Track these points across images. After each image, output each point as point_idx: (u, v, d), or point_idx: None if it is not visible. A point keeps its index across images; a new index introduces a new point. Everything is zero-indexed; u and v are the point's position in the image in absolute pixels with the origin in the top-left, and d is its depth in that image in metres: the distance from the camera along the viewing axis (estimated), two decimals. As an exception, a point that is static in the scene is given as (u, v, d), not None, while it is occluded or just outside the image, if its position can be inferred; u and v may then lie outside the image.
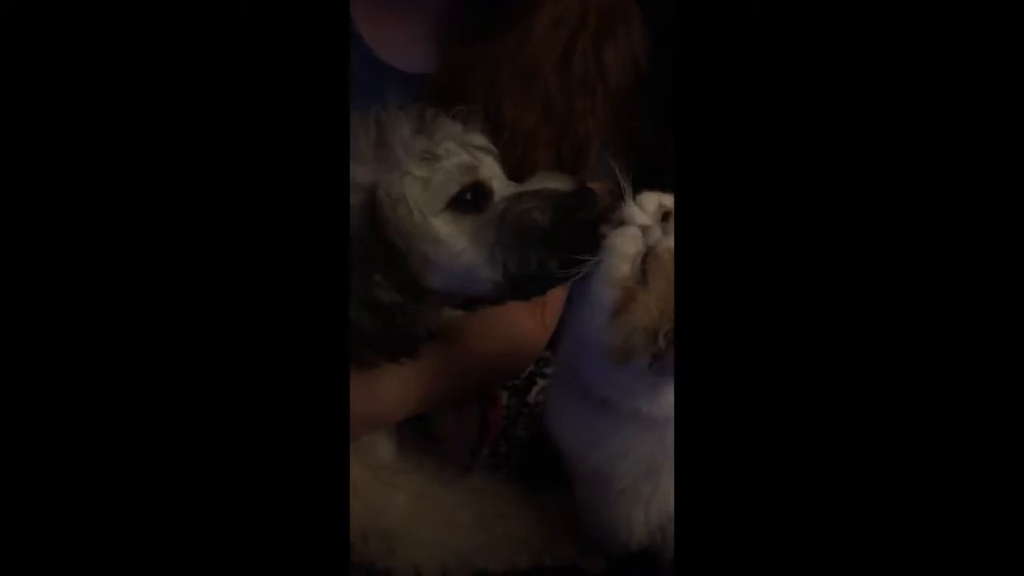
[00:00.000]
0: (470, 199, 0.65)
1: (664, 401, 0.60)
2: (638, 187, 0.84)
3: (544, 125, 0.79)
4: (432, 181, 0.64)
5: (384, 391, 0.70)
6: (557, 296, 0.80)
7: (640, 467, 0.64)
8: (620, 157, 0.84)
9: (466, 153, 0.65)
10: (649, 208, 0.59)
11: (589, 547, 0.74)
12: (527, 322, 0.81)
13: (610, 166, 0.83)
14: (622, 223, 0.59)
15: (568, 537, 0.73)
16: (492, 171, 0.67)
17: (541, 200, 0.64)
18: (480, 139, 0.67)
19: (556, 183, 0.66)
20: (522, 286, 0.66)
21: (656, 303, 0.56)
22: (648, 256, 0.57)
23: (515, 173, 0.74)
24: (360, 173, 0.64)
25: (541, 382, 0.87)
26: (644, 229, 0.58)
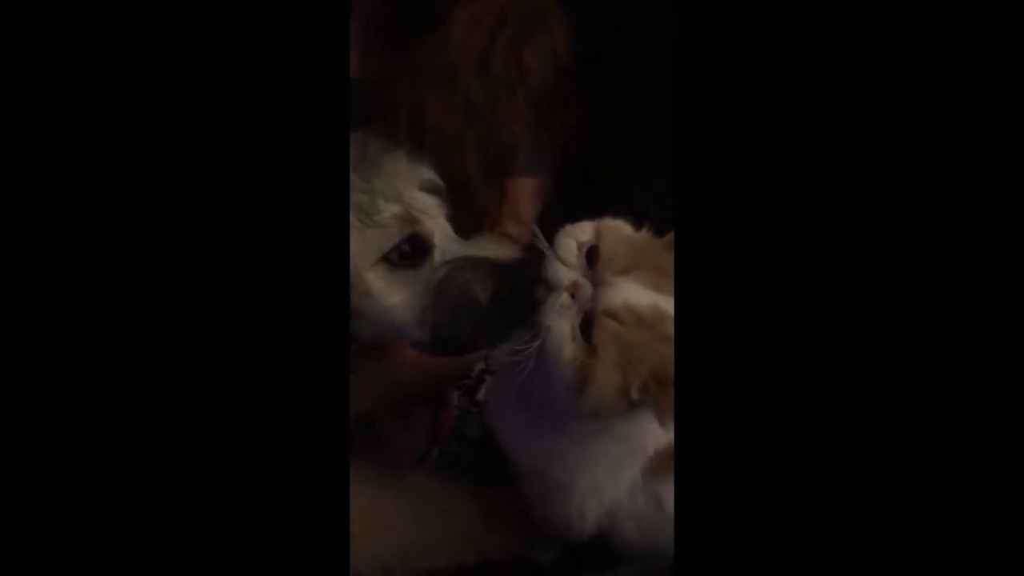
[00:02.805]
0: (408, 251, 0.63)
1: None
2: (564, 188, 0.86)
3: (469, 129, 0.80)
4: (367, 233, 0.62)
5: None
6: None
7: (597, 467, 0.65)
8: (548, 155, 0.86)
9: (407, 201, 0.63)
10: (571, 256, 0.59)
11: (537, 538, 0.75)
12: None
13: (539, 165, 0.85)
14: (548, 288, 0.58)
15: (515, 530, 0.74)
16: (435, 223, 0.65)
17: (483, 271, 0.62)
18: (428, 173, 0.66)
19: (501, 249, 0.64)
20: (448, 349, 0.65)
21: (615, 366, 0.56)
22: (587, 323, 0.57)
23: (446, 180, 0.75)
24: None
25: (490, 379, 0.88)
26: (574, 289, 0.58)
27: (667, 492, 0.65)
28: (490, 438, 0.79)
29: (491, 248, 0.64)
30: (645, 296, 0.56)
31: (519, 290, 0.60)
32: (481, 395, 0.89)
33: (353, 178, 0.62)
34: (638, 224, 0.64)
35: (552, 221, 0.65)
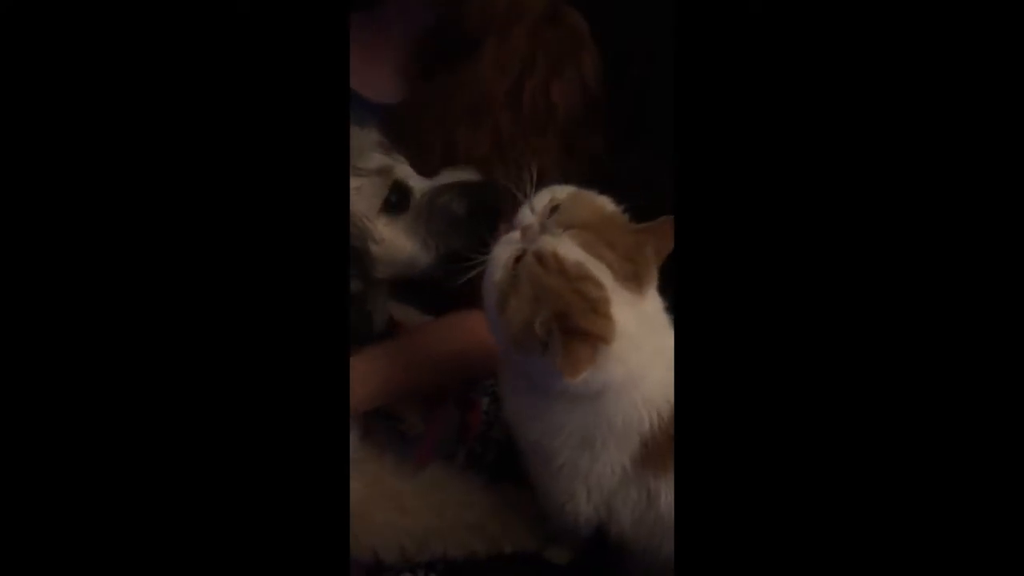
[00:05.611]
0: (395, 201, 0.75)
1: (584, 380, 0.63)
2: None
3: (498, 158, 0.86)
4: (362, 190, 0.74)
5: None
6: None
7: (574, 439, 0.68)
8: (574, 178, 0.90)
9: (381, 156, 0.75)
10: (539, 205, 0.66)
11: (550, 537, 0.78)
12: (487, 331, 0.87)
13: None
14: (511, 226, 0.66)
15: (528, 526, 0.77)
16: (405, 171, 0.77)
17: (455, 192, 0.75)
18: (373, 135, 0.77)
19: (467, 174, 0.76)
20: (447, 271, 0.74)
21: (528, 300, 0.62)
22: (521, 259, 0.63)
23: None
24: None
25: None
26: (525, 230, 0.64)
27: (660, 487, 0.67)
28: (513, 440, 0.82)
29: (459, 175, 0.77)
30: (575, 252, 0.62)
31: (488, 204, 0.74)
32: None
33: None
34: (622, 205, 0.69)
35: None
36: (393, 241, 0.75)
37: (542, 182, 0.86)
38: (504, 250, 0.65)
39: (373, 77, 0.91)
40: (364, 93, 0.91)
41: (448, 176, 0.77)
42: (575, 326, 0.60)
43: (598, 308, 0.61)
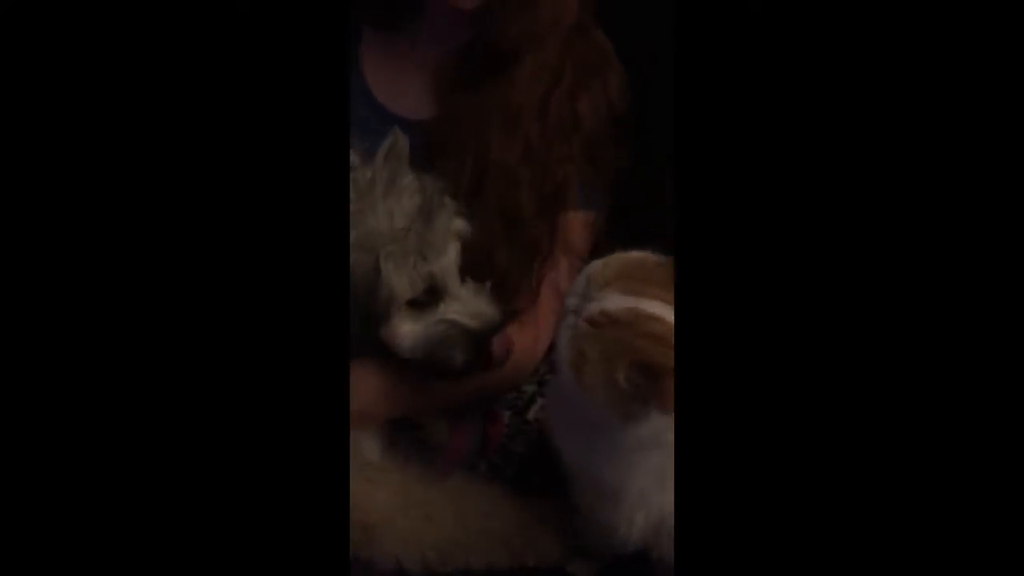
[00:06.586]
0: (425, 299, 0.76)
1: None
2: (615, 221, 0.92)
3: (526, 167, 0.87)
4: (405, 277, 0.74)
5: (362, 387, 0.77)
6: (549, 317, 0.86)
7: (650, 478, 0.68)
8: (599, 192, 0.91)
9: (441, 259, 0.75)
10: (579, 288, 0.68)
11: (576, 550, 0.77)
12: (518, 340, 0.87)
13: (591, 201, 0.91)
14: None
15: (553, 539, 0.77)
16: (446, 268, 0.76)
17: (456, 335, 0.76)
18: (459, 224, 0.77)
19: (479, 308, 0.76)
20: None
21: (599, 363, 0.63)
22: (574, 336, 0.65)
23: (499, 210, 0.84)
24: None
25: (541, 401, 0.92)
26: (576, 312, 0.66)
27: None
28: (535, 454, 0.82)
29: (471, 305, 0.77)
30: (620, 301, 0.64)
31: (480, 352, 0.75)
32: (531, 415, 0.93)
33: (417, 222, 0.75)
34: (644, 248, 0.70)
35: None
36: (401, 339, 0.76)
37: (565, 188, 0.89)
38: (564, 333, 0.66)
39: (406, 95, 0.92)
40: (396, 111, 0.92)
41: (466, 300, 0.77)
42: (658, 367, 0.60)
43: (669, 340, 0.61)
